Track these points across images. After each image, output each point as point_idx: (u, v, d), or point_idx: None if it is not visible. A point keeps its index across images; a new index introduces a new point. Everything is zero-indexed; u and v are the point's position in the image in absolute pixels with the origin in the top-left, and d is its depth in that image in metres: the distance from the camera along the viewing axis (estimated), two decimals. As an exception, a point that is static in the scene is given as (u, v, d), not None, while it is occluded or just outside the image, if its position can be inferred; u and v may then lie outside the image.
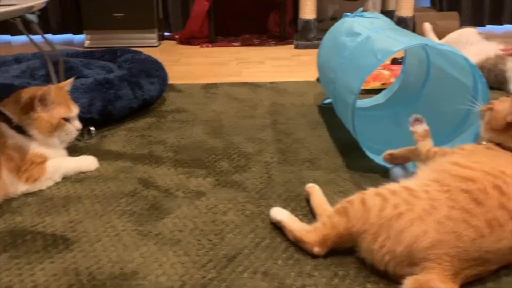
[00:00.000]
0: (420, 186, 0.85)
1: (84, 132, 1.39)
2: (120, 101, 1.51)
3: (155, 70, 1.71)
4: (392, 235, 0.78)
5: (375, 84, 1.85)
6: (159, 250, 0.90)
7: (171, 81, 1.98)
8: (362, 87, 1.84)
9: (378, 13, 1.55)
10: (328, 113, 1.61)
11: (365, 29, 1.32)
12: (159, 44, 2.92)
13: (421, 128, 1.05)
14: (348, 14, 1.54)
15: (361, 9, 1.55)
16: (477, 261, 0.76)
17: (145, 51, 1.95)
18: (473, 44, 1.89)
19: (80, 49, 2.22)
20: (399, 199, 0.82)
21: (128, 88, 1.54)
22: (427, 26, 2.18)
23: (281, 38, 2.92)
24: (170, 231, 0.96)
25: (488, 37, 1.97)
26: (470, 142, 1.11)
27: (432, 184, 0.84)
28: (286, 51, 2.72)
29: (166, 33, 3.15)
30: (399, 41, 1.16)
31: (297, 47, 2.76)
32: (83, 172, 1.21)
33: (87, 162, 1.24)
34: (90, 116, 1.44)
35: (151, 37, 2.87)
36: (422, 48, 1.45)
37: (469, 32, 1.96)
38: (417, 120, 1.05)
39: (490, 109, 0.96)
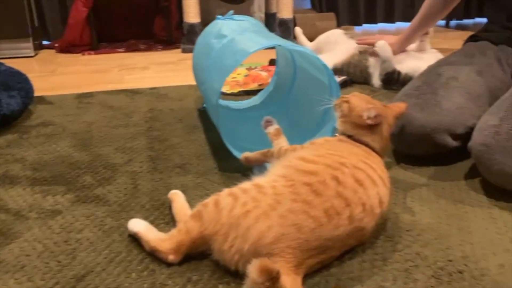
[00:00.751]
0: (268, 182, 0.87)
1: None
2: (-28, 119, 1.37)
3: (17, 82, 1.58)
4: (240, 234, 0.79)
5: (253, 85, 1.90)
6: (-1, 280, 0.82)
7: (43, 92, 1.86)
8: (242, 89, 1.90)
9: (248, 16, 1.58)
10: (206, 116, 1.62)
11: (232, 32, 1.34)
12: (36, 54, 2.72)
13: (272, 128, 1.09)
14: (220, 16, 1.56)
15: (231, 11, 1.57)
16: (318, 250, 0.80)
17: (20, 62, 1.81)
18: (340, 44, 2.02)
19: None
20: (248, 197, 0.83)
21: (-19, 104, 1.41)
22: (298, 30, 2.30)
23: (168, 43, 2.88)
24: (16, 257, 0.88)
25: (362, 35, 2.11)
26: (329, 136, 1.18)
27: (279, 179, 0.87)
28: (172, 55, 2.69)
29: (45, 42, 2.95)
30: (257, 42, 1.20)
31: (184, 51, 2.75)
32: None
33: None
34: None
35: (26, 47, 2.66)
36: (288, 51, 1.51)
37: (337, 33, 2.10)
38: (268, 122, 1.10)
39: (347, 101, 1.01)
